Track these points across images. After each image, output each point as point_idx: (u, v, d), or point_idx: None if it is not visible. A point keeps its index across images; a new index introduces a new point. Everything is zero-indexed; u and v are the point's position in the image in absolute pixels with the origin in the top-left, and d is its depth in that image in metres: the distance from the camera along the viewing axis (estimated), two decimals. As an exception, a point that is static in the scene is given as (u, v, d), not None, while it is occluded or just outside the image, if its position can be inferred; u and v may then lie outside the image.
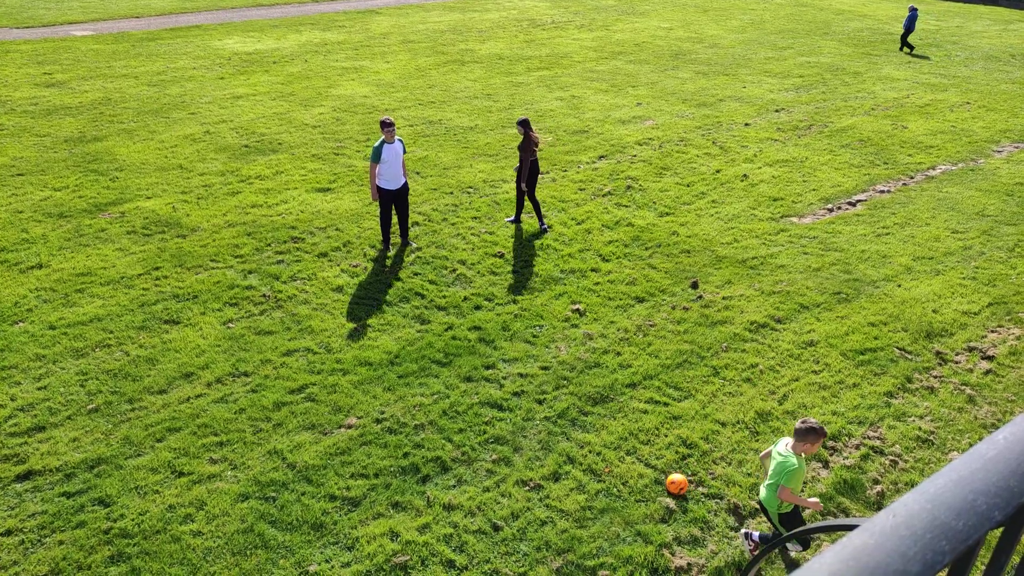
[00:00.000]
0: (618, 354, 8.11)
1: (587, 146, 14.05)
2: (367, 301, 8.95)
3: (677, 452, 6.78)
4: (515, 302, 9.03)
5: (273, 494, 6.19)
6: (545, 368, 7.85)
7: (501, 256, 10.07)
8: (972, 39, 24.59)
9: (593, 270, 9.82)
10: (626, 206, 11.69)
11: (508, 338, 8.32)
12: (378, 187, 9.67)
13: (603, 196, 12.00)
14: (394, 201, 9.83)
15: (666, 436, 6.97)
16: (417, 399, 7.34)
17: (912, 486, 6.52)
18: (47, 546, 5.65)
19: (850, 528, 0.83)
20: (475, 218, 11.10)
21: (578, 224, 11.04)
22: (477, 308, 8.88)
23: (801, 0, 30.76)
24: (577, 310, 8.89)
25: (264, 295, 8.95)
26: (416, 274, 9.56)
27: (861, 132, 15.33)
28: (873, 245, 10.72)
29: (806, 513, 6.01)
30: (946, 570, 0.60)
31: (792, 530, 4.81)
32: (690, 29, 24.54)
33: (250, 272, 9.45)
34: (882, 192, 12.62)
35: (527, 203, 11.45)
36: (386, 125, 9.48)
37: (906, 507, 0.62)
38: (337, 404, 7.23)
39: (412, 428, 6.96)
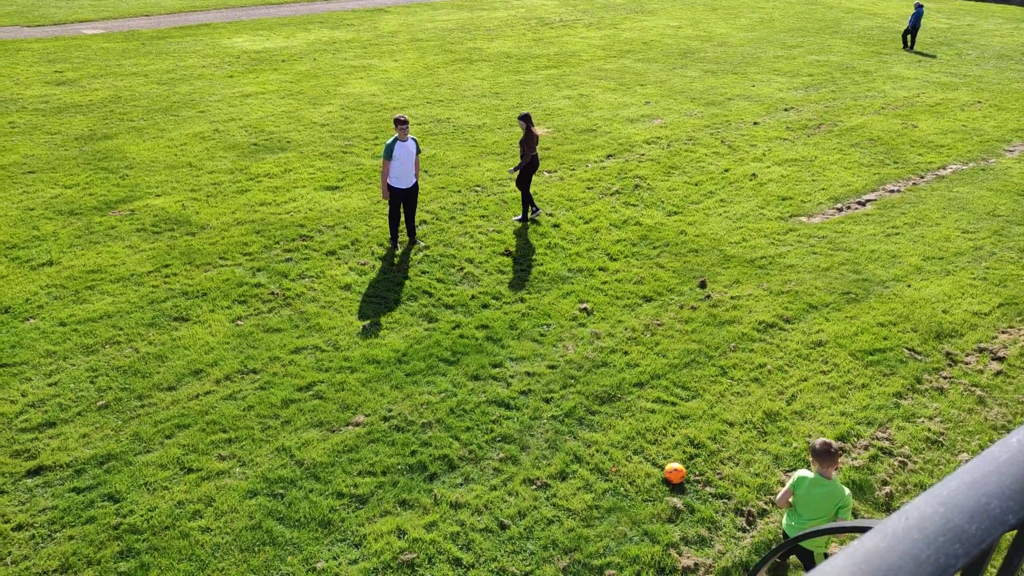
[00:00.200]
0: (626, 353, 8.11)
1: (595, 145, 14.03)
2: (375, 299, 8.97)
3: (684, 452, 6.77)
4: (522, 301, 9.03)
5: (281, 491, 6.22)
6: (552, 367, 7.85)
7: (509, 255, 10.07)
8: (984, 37, 24.42)
9: (601, 269, 9.81)
10: (634, 205, 11.67)
11: (515, 337, 8.33)
12: (388, 185, 9.68)
13: (611, 195, 11.99)
14: (403, 200, 9.84)
15: (673, 436, 6.96)
16: (424, 397, 7.35)
17: (921, 487, 6.49)
18: (57, 541, 5.70)
19: (863, 529, 0.83)
20: (483, 216, 11.10)
21: (586, 223, 11.03)
22: (485, 307, 8.89)
23: (811, -2, 30.60)
24: (585, 309, 8.88)
25: (273, 293, 8.99)
26: (424, 272, 9.58)
27: (871, 131, 15.25)
28: (883, 245, 10.67)
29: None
30: (959, 574, 0.60)
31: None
32: (699, 27, 24.46)
33: (259, 270, 9.49)
34: (892, 192, 12.55)
35: (519, 193, 11.46)
36: (399, 123, 9.47)
37: (918, 510, 0.61)
38: (345, 402, 7.26)
39: (419, 426, 6.98)
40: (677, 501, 6.22)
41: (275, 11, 25.33)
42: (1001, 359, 8.24)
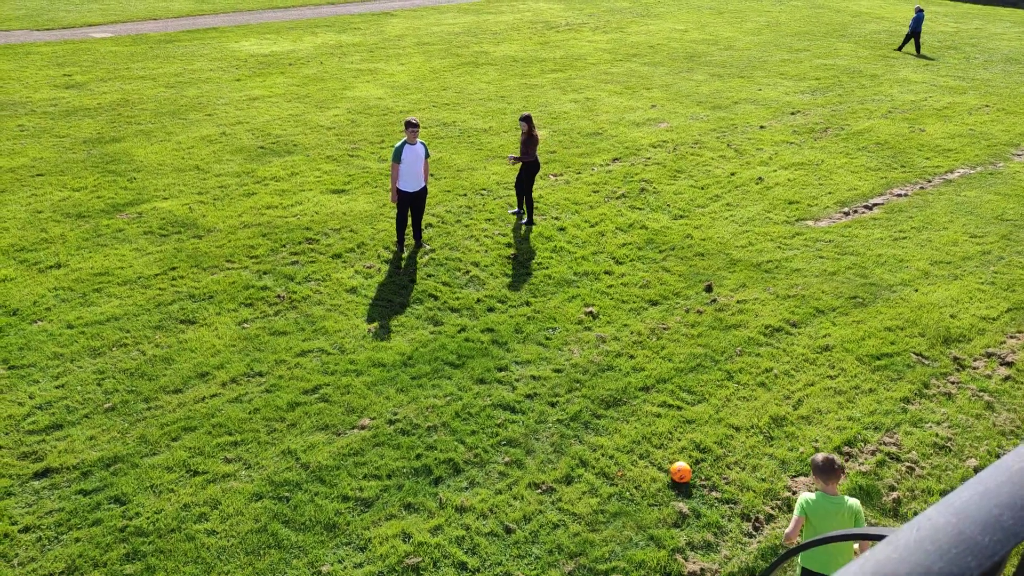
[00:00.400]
0: (631, 357, 8.09)
1: (601, 148, 14.03)
2: (381, 302, 8.98)
3: (691, 456, 6.74)
4: (528, 304, 9.03)
5: (287, 494, 6.22)
6: (558, 371, 7.84)
7: (514, 258, 10.07)
8: (992, 41, 24.34)
9: (606, 273, 9.80)
10: (640, 209, 11.66)
11: (521, 340, 8.32)
12: (396, 189, 9.69)
13: (617, 198, 11.98)
14: (411, 204, 9.85)
15: (679, 440, 6.94)
16: (430, 400, 7.35)
17: (929, 493, 6.46)
18: (64, 543, 5.71)
19: (876, 537, 0.82)
20: (488, 220, 11.11)
21: (591, 226, 11.02)
22: (490, 310, 8.89)
23: (818, 2, 30.57)
24: (590, 313, 8.87)
25: (279, 296, 9.01)
26: (429, 276, 9.59)
27: (878, 135, 15.21)
28: (890, 249, 10.63)
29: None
30: None
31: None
32: (705, 31, 24.45)
33: (265, 273, 9.51)
34: (899, 196, 12.51)
35: (513, 193, 11.54)
36: (410, 125, 9.47)
37: (930, 521, 0.61)
38: (351, 405, 7.26)
39: (425, 430, 6.97)
40: (683, 506, 6.20)
41: (282, 15, 25.44)
42: (1009, 364, 8.19)
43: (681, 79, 18.79)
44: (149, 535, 5.80)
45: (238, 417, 7.05)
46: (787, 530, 4.79)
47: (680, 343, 8.35)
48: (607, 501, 6.24)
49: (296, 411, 7.16)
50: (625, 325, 8.67)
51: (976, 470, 6.74)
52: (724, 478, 6.52)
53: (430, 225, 10.85)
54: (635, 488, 6.38)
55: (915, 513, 6.25)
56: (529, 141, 10.42)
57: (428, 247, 10.25)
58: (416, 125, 9.48)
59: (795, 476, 6.58)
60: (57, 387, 7.36)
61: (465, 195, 11.92)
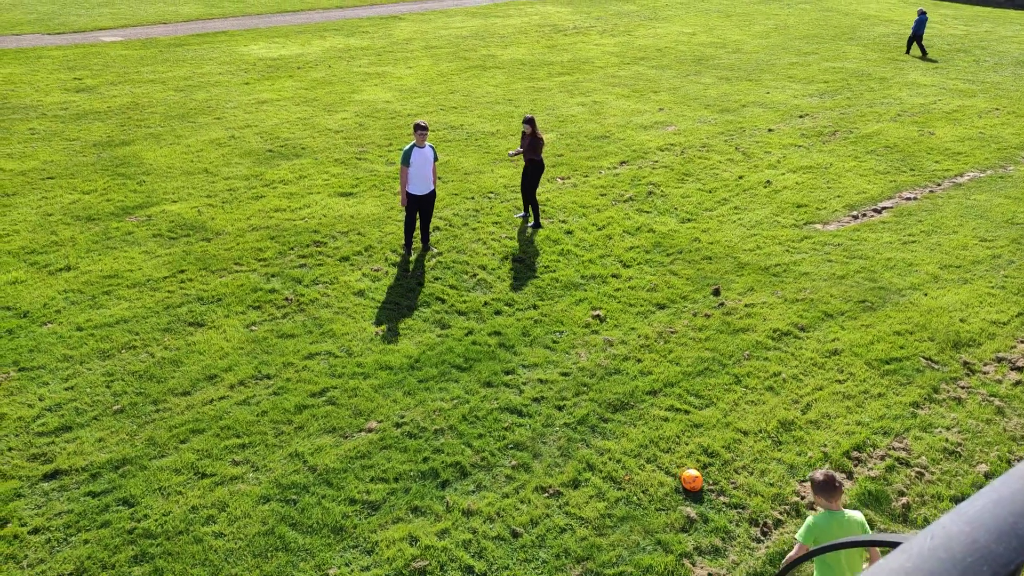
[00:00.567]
0: (639, 361, 8.07)
1: (609, 151, 14.03)
2: (388, 305, 9.00)
3: (698, 461, 6.72)
4: (535, 307, 9.02)
5: (294, 497, 6.24)
6: (565, 374, 7.83)
7: (522, 261, 10.07)
8: (1002, 44, 24.22)
9: (614, 276, 9.79)
10: (647, 212, 11.64)
11: (528, 343, 8.32)
12: (406, 192, 9.72)
13: (624, 202, 11.97)
14: (420, 207, 9.87)
15: (687, 444, 6.92)
16: (437, 404, 7.35)
17: (939, 498, 6.41)
18: (72, 545, 5.74)
19: (890, 544, 0.81)
20: (496, 223, 11.11)
21: (599, 230, 11.01)
22: (497, 313, 8.89)
23: (826, 5, 30.50)
24: (597, 316, 8.86)
25: (287, 298, 9.03)
26: (437, 279, 9.59)
27: (887, 138, 15.15)
28: (899, 253, 10.58)
29: None
30: None
31: None
32: (713, 34, 24.42)
33: (273, 275, 9.54)
34: (908, 199, 12.45)
35: (520, 197, 11.59)
36: (418, 129, 9.49)
37: (944, 529, 0.60)
38: (358, 408, 7.27)
39: (432, 433, 6.97)
40: (691, 510, 6.17)
41: (291, 19, 25.55)
42: (1020, 369, 8.13)
43: (689, 82, 18.76)
44: (157, 537, 5.82)
45: (246, 419, 7.07)
46: (790, 554, 4.70)
47: (688, 347, 8.32)
48: (614, 505, 6.22)
49: (303, 414, 7.18)
50: (632, 328, 8.65)
51: (987, 476, 6.69)
52: (732, 483, 6.49)
53: (437, 228, 10.86)
54: (642, 492, 6.36)
55: (924, 518, 6.21)
56: (534, 142, 10.44)
57: (435, 250, 10.26)
58: (425, 128, 9.50)
59: (803, 481, 6.54)
60: (66, 389, 7.39)
61: (472, 198, 11.93)
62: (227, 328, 8.43)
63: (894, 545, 0.84)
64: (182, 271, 9.57)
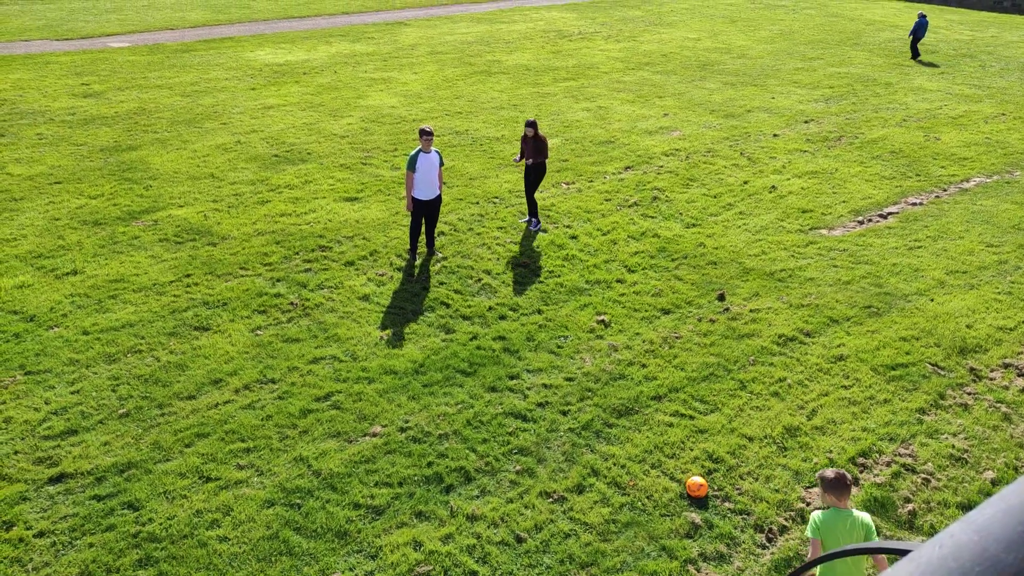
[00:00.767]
0: (643, 366, 8.06)
1: (613, 157, 14.03)
2: (393, 310, 9.01)
3: (703, 466, 6.70)
4: (540, 312, 9.02)
5: (298, 501, 6.24)
6: (569, 379, 7.82)
7: (526, 266, 10.08)
8: (1008, 49, 24.17)
9: (619, 281, 9.78)
10: (652, 217, 11.64)
11: (533, 348, 8.31)
12: (411, 197, 9.74)
13: (629, 207, 11.97)
14: (425, 212, 9.88)
15: (692, 450, 6.90)
16: (441, 408, 7.35)
17: (945, 505, 6.38)
18: (77, 548, 5.75)
19: (899, 552, 0.81)
20: (500, 228, 11.12)
21: (604, 235, 11.01)
22: (502, 318, 8.89)
23: (831, 11, 30.49)
24: (602, 321, 8.85)
25: (292, 303, 9.05)
26: (441, 283, 9.60)
27: (893, 143, 15.12)
28: (905, 258, 10.54)
29: None
30: None
31: None
32: (718, 40, 24.43)
33: (278, 280, 9.57)
34: (914, 204, 12.42)
35: (525, 201, 11.64)
36: (424, 134, 9.52)
37: (953, 538, 0.60)
38: (362, 412, 7.28)
39: (436, 437, 6.97)
40: (695, 516, 6.15)
41: (297, 24, 25.65)
42: (1027, 375, 8.08)
43: (694, 88, 18.77)
44: (162, 541, 5.83)
45: (251, 424, 7.08)
46: (808, 555, 4.69)
47: (692, 352, 8.31)
48: (619, 511, 6.21)
49: (308, 418, 7.18)
50: (637, 334, 8.64)
51: (993, 482, 6.65)
52: (737, 488, 6.47)
53: (442, 233, 10.88)
54: (647, 498, 6.35)
55: (931, 525, 6.18)
56: (537, 144, 10.49)
57: (440, 255, 10.27)
58: (430, 133, 9.52)
59: (809, 487, 6.52)
60: (72, 393, 7.42)
61: (477, 203, 11.95)
62: (232, 332, 8.45)
63: (903, 553, 0.84)
64: (188, 275, 9.60)
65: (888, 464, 6.79)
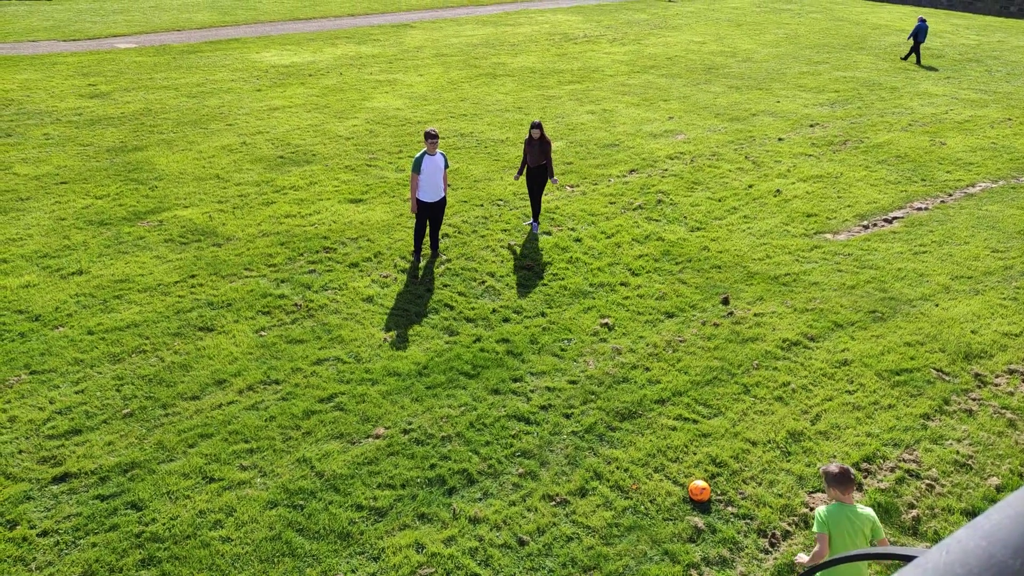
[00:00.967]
0: (647, 369, 8.05)
1: (618, 160, 14.03)
2: (397, 312, 9.01)
3: (706, 470, 6.69)
4: (544, 315, 9.02)
5: (301, 502, 6.24)
6: (573, 382, 7.81)
7: (530, 269, 10.08)
8: (1014, 54, 24.11)
9: (623, 284, 9.78)
10: (657, 220, 11.63)
11: (536, 351, 8.31)
12: (416, 199, 9.75)
13: (633, 210, 11.96)
14: (430, 214, 9.90)
15: (695, 454, 6.89)
16: (445, 410, 7.35)
17: (949, 511, 6.36)
18: (81, 548, 5.76)
19: (906, 558, 0.80)
20: (504, 230, 11.13)
21: (608, 238, 11.01)
22: (505, 320, 8.89)
23: (836, 15, 30.46)
24: (606, 324, 8.85)
25: (296, 304, 9.07)
26: (445, 286, 9.61)
27: (898, 148, 15.09)
28: (910, 263, 10.52)
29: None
30: None
31: None
32: (723, 43, 24.42)
33: (283, 281, 9.58)
34: (919, 209, 12.39)
35: (529, 203, 11.71)
36: (429, 136, 9.53)
37: (960, 544, 0.60)
38: (366, 414, 7.28)
39: (439, 439, 6.97)
40: (699, 521, 6.14)
41: (303, 26, 25.72)
42: (1032, 381, 8.05)
43: (699, 91, 18.76)
44: (165, 541, 5.84)
45: (254, 424, 7.09)
46: (815, 549, 4.70)
47: (696, 356, 8.30)
48: (621, 515, 6.20)
49: (311, 419, 7.19)
50: (641, 337, 8.63)
51: (998, 489, 6.62)
52: (740, 493, 6.46)
53: (446, 235, 10.89)
54: (650, 502, 6.34)
55: (935, 531, 6.15)
56: (543, 147, 10.52)
57: (444, 257, 10.28)
58: (435, 136, 9.54)
59: (812, 492, 6.50)
60: (77, 392, 7.44)
61: (481, 205, 11.95)
62: (236, 333, 8.46)
63: (909, 559, 0.83)
64: (193, 276, 9.62)
65: (892, 470, 6.77)
